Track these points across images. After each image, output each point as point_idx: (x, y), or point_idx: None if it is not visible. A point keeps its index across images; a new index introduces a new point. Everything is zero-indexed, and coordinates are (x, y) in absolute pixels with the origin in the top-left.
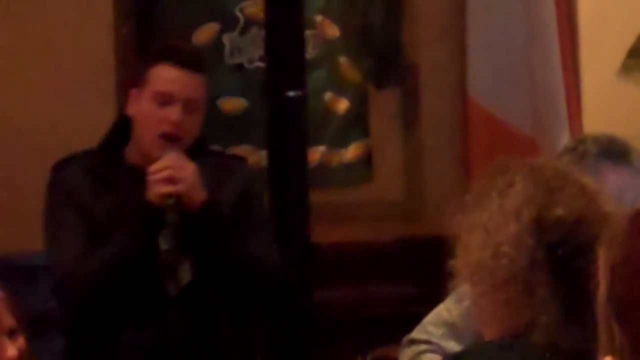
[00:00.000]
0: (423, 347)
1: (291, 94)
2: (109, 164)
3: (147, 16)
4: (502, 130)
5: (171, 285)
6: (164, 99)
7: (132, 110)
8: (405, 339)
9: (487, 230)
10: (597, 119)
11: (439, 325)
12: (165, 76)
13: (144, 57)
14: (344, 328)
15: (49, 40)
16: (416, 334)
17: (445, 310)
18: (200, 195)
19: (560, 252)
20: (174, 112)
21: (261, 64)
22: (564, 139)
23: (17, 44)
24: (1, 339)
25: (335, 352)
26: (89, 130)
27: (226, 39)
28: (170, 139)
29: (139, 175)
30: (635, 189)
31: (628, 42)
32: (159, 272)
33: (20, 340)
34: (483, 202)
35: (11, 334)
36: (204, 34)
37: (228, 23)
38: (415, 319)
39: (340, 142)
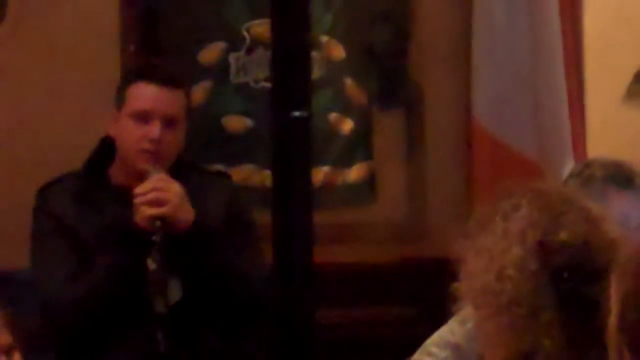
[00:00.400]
0: None
1: (296, 114)
2: (94, 185)
3: (154, 34)
4: (506, 154)
5: (160, 303)
6: (143, 117)
7: (113, 130)
8: None
9: (491, 253)
10: (601, 144)
11: (442, 347)
12: (142, 94)
13: (121, 77)
14: (346, 349)
15: (55, 57)
16: (419, 355)
17: (449, 332)
18: (187, 215)
19: (566, 277)
20: (152, 130)
21: (267, 84)
22: (568, 164)
23: (23, 60)
24: None
25: None
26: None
27: (232, 58)
28: (151, 155)
29: (124, 196)
30: None
31: (633, 67)
32: (146, 290)
33: (17, 358)
34: (487, 226)
35: (8, 351)
36: (210, 52)
37: (234, 42)
38: (418, 341)
39: (344, 162)
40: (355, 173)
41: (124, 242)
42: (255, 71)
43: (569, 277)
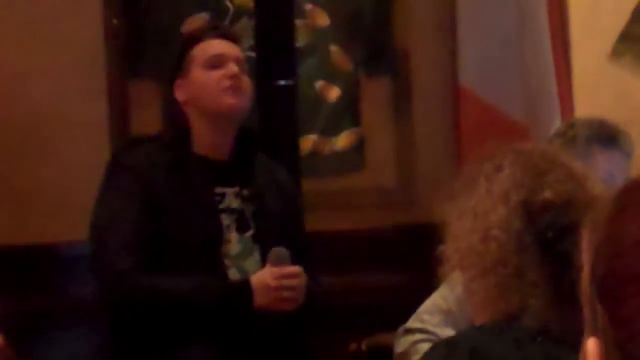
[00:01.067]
0: (418, 336)
1: (282, 82)
2: (177, 151)
3: (137, 7)
4: (494, 117)
5: (235, 275)
6: (217, 61)
7: (183, 95)
8: (401, 328)
9: (475, 214)
10: (588, 104)
11: (434, 314)
12: (212, 44)
13: (181, 45)
14: (338, 315)
15: (38, 31)
16: (411, 323)
17: (440, 297)
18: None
19: (550, 236)
20: (231, 68)
21: (252, 53)
22: (556, 124)
23: (6, 36)
24: None
25: (329, 340)
26: (79, 121)
27: None
28: (234, 91)
29: (206, 166)
30: (625, 172)
31: (619, 26)
32: (223, 264)
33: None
34: (471, 188)
35: None
36: (194, 24)
37: (218, 13)
38: (408, 307)
39: (331, 130)
40: (343, 140)
41: (225, 294)
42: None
43: (554, 236)
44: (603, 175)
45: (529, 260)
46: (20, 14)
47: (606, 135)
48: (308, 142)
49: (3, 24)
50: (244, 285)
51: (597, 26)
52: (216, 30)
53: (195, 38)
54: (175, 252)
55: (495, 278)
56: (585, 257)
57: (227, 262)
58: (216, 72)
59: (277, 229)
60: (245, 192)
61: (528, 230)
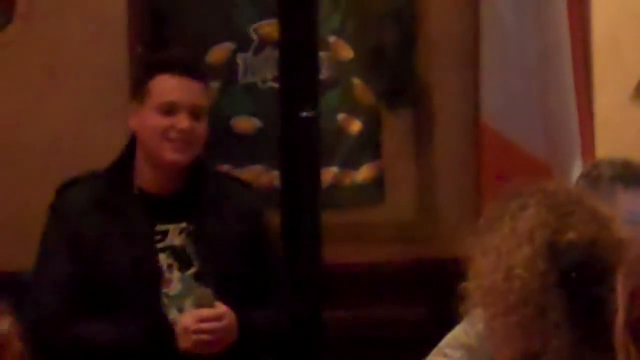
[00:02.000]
0: None
1: (304, 114)
2: (118, 189)
3: (162, 35)
4: (515, 154)
5: (175, 316)
6: (169, 109)
7: (134, 123)
8: None
9: (499, 253)
10: (610, 144)
11: (456, 348)
12: (168, 86)
13: (142, 69)
14: (355, 349)
15: (64, 59)
16: (433, 357)
17: (463, 332)
18: (232, 340)
19: (574, 277)
20: (181, 121)
21: (275, 85)
22: (577, 164)
23: (31, 62)
24: None
25: None
26: (100, 149)
27: (240, 58)
28: (178, 145)
29: (148, 202)
30: None
31: None
32: (163, 305)
33: None
34: (496, 226)
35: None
36: (218, 53)
37: (242, 43)
38: (427, 342)
39: (352, 163)
40: (363, 173)
41: (147, 336)
42: (263, 72)
43: (578, 277)
44: (626, 215)
45: (552, 300)
46: (46, 38)
47: (630, 175)
48: (329, 174)
49: (29, 47)
50: (165, 330)
51: (620, 66)
52: (179, 66)
53: (157, 68)
54: (111, 295)
55: (518, 317)
56: (620, 301)
57: (167, 302)
58: (166, 120)
59: (225, 265)
60: (191, 227)
61: (552, 270)
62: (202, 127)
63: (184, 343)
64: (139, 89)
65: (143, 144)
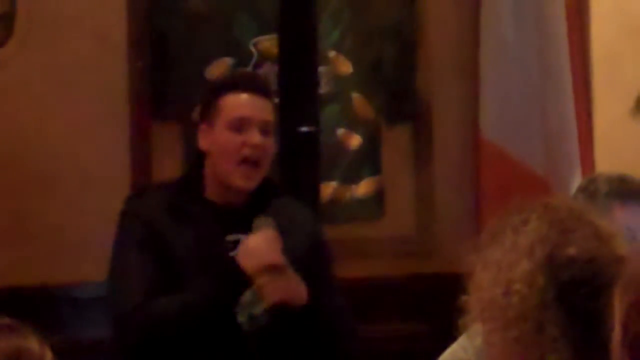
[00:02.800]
0: None
1: (304, 129)
2: (188, 198)
3: (162, 50)
4: (514, 168)
5: (246, 323)
6: (241, 125)
7: (205, 143)
8: None
9: (500, 267)
10: (609, 159)
11: None
12: (240, 102)
13: (210, 90)
14: None
15: (63, 73)
16: None
17: (460, 348)
18: (301, 298)
19: (572, 292)
20: (253, 136)
21: (274, 99)
22: (575, 178)
23: (31, 75)
24: None
25: None
26: (103, 159)
27: None
28: (252, 163)
29: (219, 213)
30: None
31: None
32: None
33: None
34: (498, 239)
35: None
36: (218, 68)
37: (242, 58)
38: (426, 356)
39: (352, 177)
40: (363, 188)
41: (218, 279)
42: None
43: (576, 292)
44: (623, 231)
45: (550, 315)
46: (45, 54)
47: (626, 190)
48: (328, 189)
49: (27, 65)
50: (233, 274)
51: (619, 80)
52: (249, 83)
53: (226, 87)
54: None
55: (516, 332)
56: (617, 318)
57: (237, 309)
58: (238, 136)
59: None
60: None
61: (551, 285)
62: (271, 143)
63: (251, 261)
64: (207, 109)
65: (215, 163)
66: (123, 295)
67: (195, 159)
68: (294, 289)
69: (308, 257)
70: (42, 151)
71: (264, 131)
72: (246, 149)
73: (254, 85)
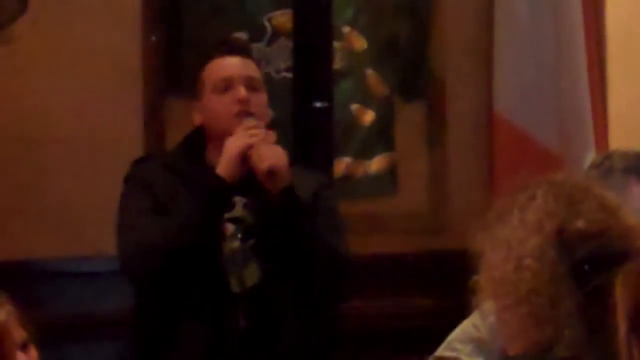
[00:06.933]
0: None
1: (318, 104)
2: (190, 162)
3: (175, 25)
4: (528, 145)
5: (236, 284)
6: (225, 85)
7: (198, 118)
8: (431, 357)
9: (509, 244)
10: (623, 136)
11: (466, 342)
12: (219, 65)
13: (195, 68)
14: (368, 340)
15: (77, 47)
16: (443, 351)
17: (472, 326)
18: (287, 175)
19: (587, 269)
20: (238, 91)
21: (288, 75)
22: (590, 155)
23: (44, 51)
24: (15, 353)
25: None
26: (116, 136)
27: (254, 48)
28: (244, 114)
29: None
30: None
31: None
32: (224, 269)
33: (33, 352)
34: (505, 218)
35: (23, 347)
36: None
37: (256, 33)
38: (438, 332)
39: (365, 153)
40: (376, 164)
41: (205, 191)
42: (276, 62)
43: (590, 268)
44: (639, 206)
45: (563, 290)
46: (58, 27)
47: None
48: (341, 164)
49: (42, 39)
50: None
51: (633, 59)
52: (224, 46)
53: (206, 58)
54: None
55: (529, 308)
56: (622, 296)
57: (228, 269)
58: (225, 96)
59: (282, 239)
60: (252, 201)
61: (562, 259)
62: (260, 98)
63: (236, 142)
64: (196, 87)
65: (211, 128)
66: (131, 235)
67: (193, 132)
68: (280, 155)
69: (311, 204)
70: (54, 127)
71: (250, 87)
72: (234, 105)
73: (230, 47)
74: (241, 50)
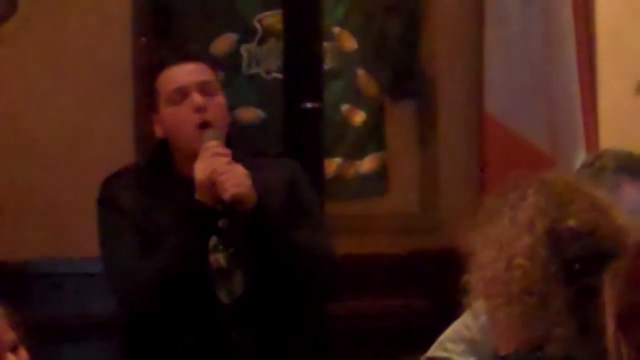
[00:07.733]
0: None
1: (308, 105)
2: (161, 175)
3: (165, 26)
4: (518, 145)
5: (225, 295)
6: (179, 95)
7: (159, 130)
8: (423, 357)
9: (500, 243)
10: (613, 136)
11: (458, 342)
12: (170, 76)
13: (149, 84)
14: (359, 340)
15: (67, 50)
16: (434, 351)
17: (463, 326)
18: (251, 199)
19: (578, 268)
20: (193, 99)
21: (279, 75)
22: (580, 155)
23: (35, 54)
24: (4, 355)
25: None
26: (107, 137)
27: (244, 49)
28: (203, 125)
29: (191, 187)
30: None
31: None
32: (212, 281)
33: (23, 354)
34: (496, 217)
35: (14, 348)
36: (222, 44)
37: (246, 34)
38: (428, 332)
39: (356, 154)
40: (367, 164)
41: (190, 223)
42: (267, 62)
43: (581, 268)
44: (631, 206)
45: (554, 289)
46: (48, 29)
47: (634, 167)
48: (332, 165)
49: (32, 39)
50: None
51: (623, 58)
52: (172, 57)
53: (156, 70)
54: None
55: (520, 307)
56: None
57: (215, 280)
58: (181, 107)
59: (259, 250)
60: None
61: (553, 259)
62: (217, 101)
63: (202, 167)
64: (151, 101)
65: (174, 140)
66: (119, 271)
67: (159, 144)
68: (245, 182)
69: (285, 206)
70: (44, 128)
71: (205, 92)
72: (192, 114)
73: (181, 56)
74: (190, 56)
